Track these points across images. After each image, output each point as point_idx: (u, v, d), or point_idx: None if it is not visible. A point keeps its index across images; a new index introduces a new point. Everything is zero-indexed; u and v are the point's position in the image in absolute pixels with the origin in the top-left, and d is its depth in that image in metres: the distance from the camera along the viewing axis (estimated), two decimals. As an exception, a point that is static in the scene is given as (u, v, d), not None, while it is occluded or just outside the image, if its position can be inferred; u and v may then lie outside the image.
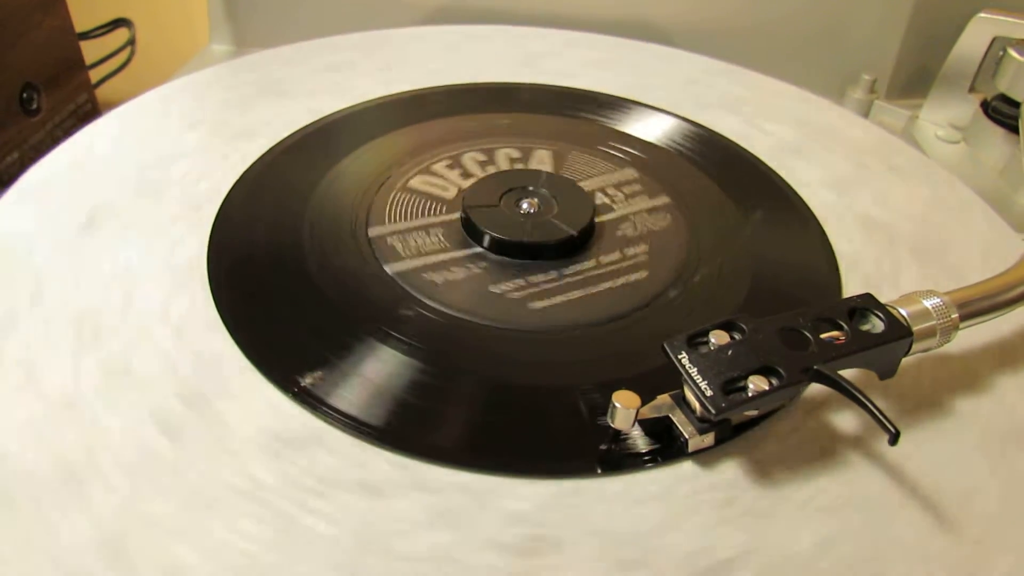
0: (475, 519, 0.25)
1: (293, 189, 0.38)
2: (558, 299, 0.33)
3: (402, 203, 0.37)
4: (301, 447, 0.26)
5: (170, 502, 0.24)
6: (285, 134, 0.42)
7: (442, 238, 0.35)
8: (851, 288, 0.35)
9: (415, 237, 0.35)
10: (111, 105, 0.44)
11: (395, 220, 0.36)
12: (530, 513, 0.25)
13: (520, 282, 0.33)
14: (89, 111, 0.58)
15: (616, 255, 0.35)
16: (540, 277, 0.34)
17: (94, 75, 0.59)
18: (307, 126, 0.43)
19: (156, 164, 0.39)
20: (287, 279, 0.33)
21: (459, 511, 0.25)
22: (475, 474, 0.26)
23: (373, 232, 0.35)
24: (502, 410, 0.28)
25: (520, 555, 0.24)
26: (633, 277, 0.34)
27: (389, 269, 0.33)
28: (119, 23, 0.64)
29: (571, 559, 0.24)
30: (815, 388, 0.27)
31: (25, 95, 0.51)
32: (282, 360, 0.29)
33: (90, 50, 0.59)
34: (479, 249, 0.35)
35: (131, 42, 0.63)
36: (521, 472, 0.26)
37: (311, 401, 0.28)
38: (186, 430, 0.27)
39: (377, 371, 0.29)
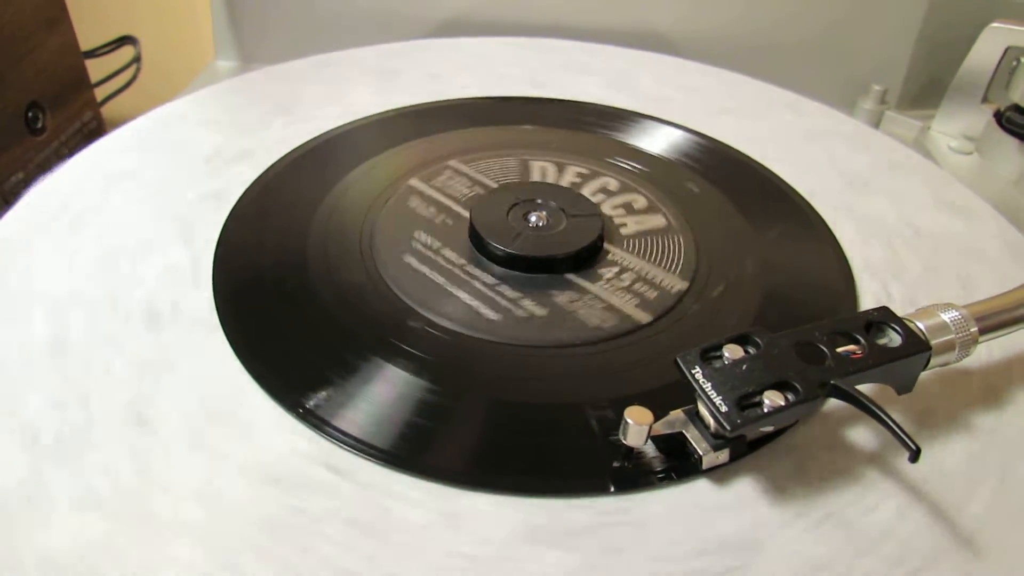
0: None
1: (292, 216, 0.38)
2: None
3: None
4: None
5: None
6: (280, 155, 0.42)
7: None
8: (867, 302, 0.34)
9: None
10: (117, 123, 0.44)
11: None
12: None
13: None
14: (95, 129, 0.57)
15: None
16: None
17: (100, 92, 0.59)
18: (316, 137, 0.43)
19: (164, 179, 0.39)
20: (296, 308, 0.33)
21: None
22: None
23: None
24: (512, 429, 0.28)
25: None
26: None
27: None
28: (124, 40, 0.64)
29: None
30: (831, 403, 0.26)
31: (30, 114, 0.51)
32: (288, 380, 0.29)
33: (96, 68, 0.59)
34: (493, 266, 0.34)
35: (137, 59, 0.63)
36: (533, 491, 0.25)
37: (315, 420, 0.27)
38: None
39: (377, 389, 0.29)
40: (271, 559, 0.23)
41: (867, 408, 0.24)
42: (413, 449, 0.27)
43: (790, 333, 0.26)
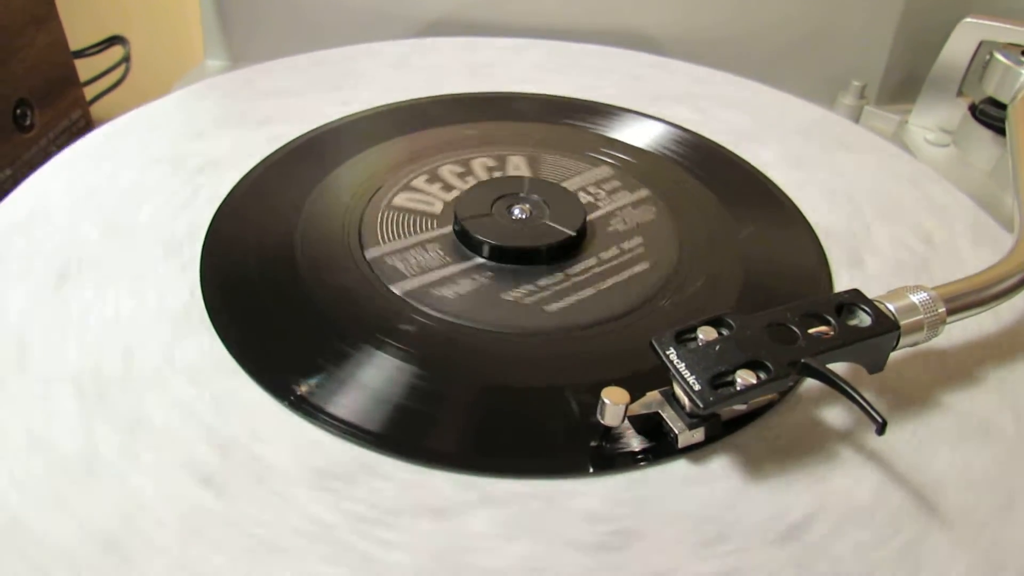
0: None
1: (279, 211, 0.38)
2: (560, 302, 0.33)
3: (392, 221, 0.37)
4: (351, 479, 0.26)
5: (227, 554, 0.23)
6: (269, 151, 0.42)
7: (440, 252, 0.35)
8: (842, 286, 0.35)
9: (413, 255, 0.35)
10: (106, 121, 0.44)
11: (389, 240, 0.36)
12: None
13: (525, 287, 0.33)
14: (83, 127, 0.58)
15: (614, 251, 0.36)
16: (542, 280, 0.34)
17: (89, 91, 0.59)
18: (304, 133, 0.44)
19: (142, 183, 0.39)
20: (285, 300, 0.33)
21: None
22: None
23: (370, 254, 0.35)
24: (499, 412, 0.29)
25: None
26: (633, 271, 0.35)
27: (397, 290, 0.33)
28: (114, 40, 0.64)
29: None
30: (812, 385, 0.27)
31: (18, 111, 0.51)
32: (279, 367, 0.30)
33: (85, 68, 0.60)
34: (479, 259, 0.35)
35: (126, 59, 0.63)
36: (519, 472, 0.26)
37: (309, 409, 0.28)
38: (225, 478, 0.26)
39: (377, 378, 0.29)
40: (270, 548, 0.24)
41: (835, 384, 0.25)
42: (402, 432, 0.27)
43: (763, 315, 0.27)
